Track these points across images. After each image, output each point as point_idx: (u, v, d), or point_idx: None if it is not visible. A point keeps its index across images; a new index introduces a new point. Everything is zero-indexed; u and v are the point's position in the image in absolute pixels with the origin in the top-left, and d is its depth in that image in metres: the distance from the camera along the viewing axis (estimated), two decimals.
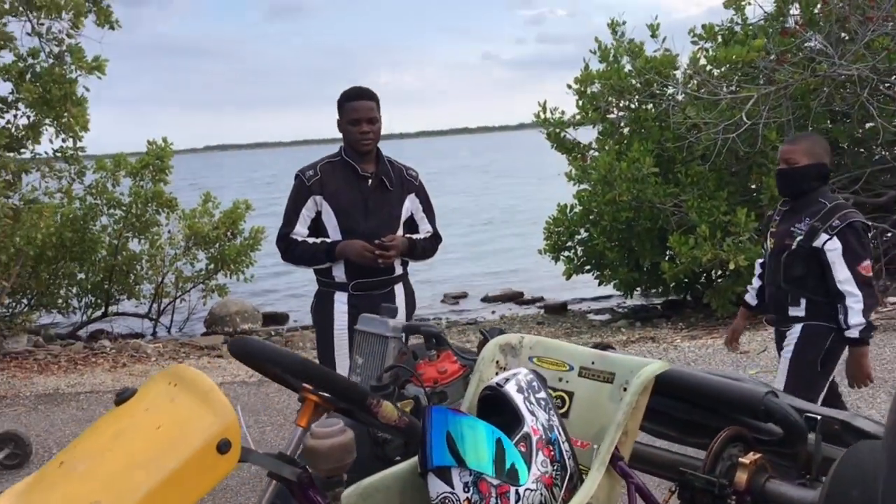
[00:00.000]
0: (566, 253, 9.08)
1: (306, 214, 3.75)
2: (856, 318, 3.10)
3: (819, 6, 8.15)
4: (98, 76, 6.89)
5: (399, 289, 3.87)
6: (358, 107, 3.71)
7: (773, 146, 7.50)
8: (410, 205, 3.90)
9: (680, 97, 8.56)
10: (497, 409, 1.85)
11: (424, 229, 3.96)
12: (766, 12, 8.72)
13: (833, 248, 3.13)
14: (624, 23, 8.98)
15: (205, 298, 10.04)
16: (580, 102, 9.05)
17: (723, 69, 8.40)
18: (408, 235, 3.85)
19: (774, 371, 5.84)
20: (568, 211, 8.90)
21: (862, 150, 8.71)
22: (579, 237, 9.01)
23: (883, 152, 8.66)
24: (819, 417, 2.00)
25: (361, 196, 3.75)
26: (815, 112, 7.76)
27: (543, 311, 10.57)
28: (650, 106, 8.68)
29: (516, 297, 11.69)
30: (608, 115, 9.04)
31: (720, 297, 7.96)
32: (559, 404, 2.00)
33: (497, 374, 2.08)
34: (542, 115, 9.21)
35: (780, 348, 3.38)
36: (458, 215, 24.36)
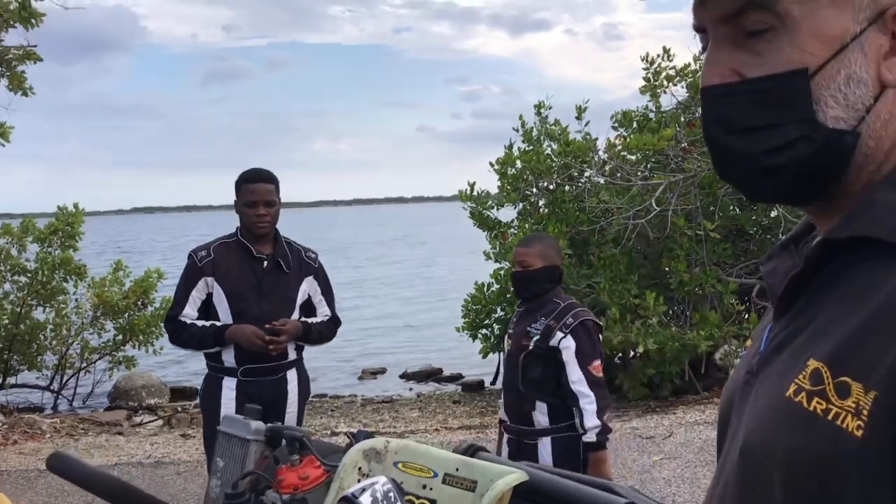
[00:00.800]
0: (483, 331, 9.06)
1: (196, 296, 3.67)
2: (591, 420, 3.10)
3: None
4: (1, 143, 6.69)
5: (292, 374, 3.78)
6: (255, 189, 3.68)
7: (682, 232, 7.71)
8: (308, 287, 3.85)
9: (600, 180, 8.75)
10: None
11: (322, 312, 3.90)
12: (678, 101, 9.06)
13: (567, 346, 3.15)
14: (550, 107, 9.22)
15: (111, 370, 9.65)
16: (501, 182, 9.18)
17: (636, 156, 8.65)
18: (303, 319, 3.78)
19: (676, 457, 5.86)
20: (485, 289, 8.92)
21: (768, 236, 9.02)
22: (496, 315, 9.01)
23: None
24: None
25: (255, 278, 3.69)
26: (723, 200, 8.03)
27: (461, 388, 10.47)
28: (567, 188, 8.85)
29: (435, 374, 11.47)
30: (528, 195, 9.17)
31: (632, 378, 8.02)
32: None
33: (359, 480, 2.01)
34: (468, 193, 9.30)
35: (515, 456, 3.19)
36: (388, 287, 24.28)
